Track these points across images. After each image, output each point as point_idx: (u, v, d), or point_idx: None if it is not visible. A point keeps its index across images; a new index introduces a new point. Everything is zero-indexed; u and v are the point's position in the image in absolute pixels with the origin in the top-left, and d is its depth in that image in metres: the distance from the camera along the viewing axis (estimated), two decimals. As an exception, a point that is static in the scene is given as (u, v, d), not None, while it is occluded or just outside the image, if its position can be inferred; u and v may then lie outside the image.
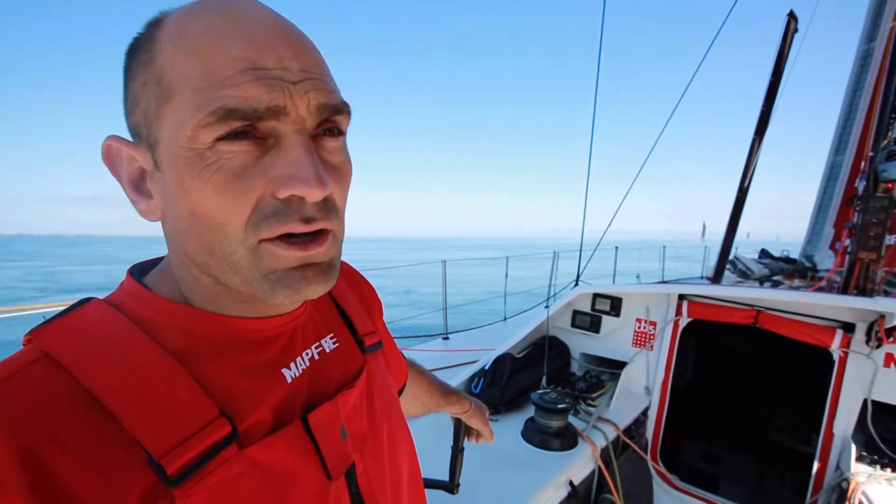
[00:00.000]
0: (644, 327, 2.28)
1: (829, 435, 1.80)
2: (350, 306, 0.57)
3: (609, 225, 3.07)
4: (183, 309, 0.38)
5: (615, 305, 2.35)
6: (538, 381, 2.15)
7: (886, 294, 2.53)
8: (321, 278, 0.37)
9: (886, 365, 1.73)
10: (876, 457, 1.66)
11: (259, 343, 0.41)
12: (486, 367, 2.17)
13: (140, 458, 0.31)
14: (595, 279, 3.19)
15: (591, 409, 2.02)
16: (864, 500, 1.48)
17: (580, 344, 2.48)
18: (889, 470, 1.60)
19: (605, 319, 2.38)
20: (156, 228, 0.40)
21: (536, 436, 1.70)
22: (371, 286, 0.66)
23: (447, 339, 4.12)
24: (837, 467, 1.74)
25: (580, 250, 2.97)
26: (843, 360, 1.80)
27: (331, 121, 0.36)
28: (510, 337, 2.40)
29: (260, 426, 0.38)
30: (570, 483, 1.57)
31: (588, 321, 2.42)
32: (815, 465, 1.81)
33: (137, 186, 0.38)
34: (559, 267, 5.44)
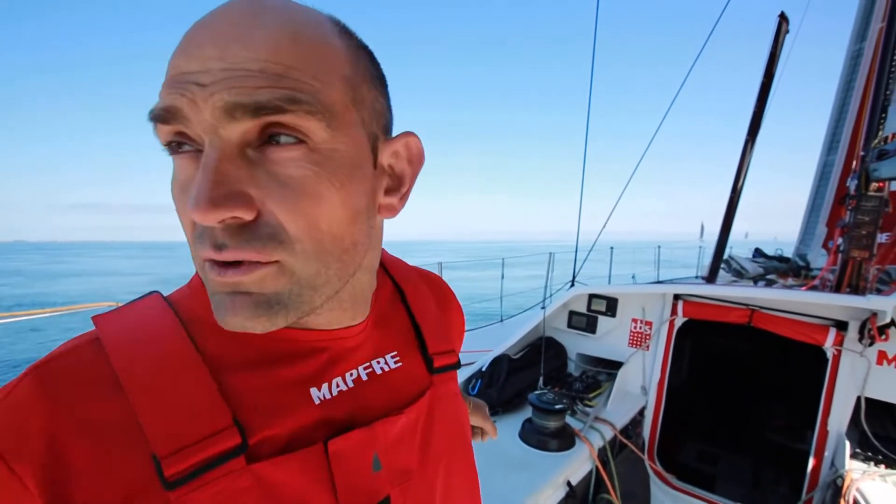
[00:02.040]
0: (640, 327, 2.29)
1: (824, 432, 1.81)
2: (427, 321, 0.52)
3: (604, 226, 3.08)
4: None
5: (611, 306, 2.36)
6: (535, 381, 2.16)
7: (879, 292, 2.56)
8: (250, 312, 0.31)
9: (879, 362, 1.75)
10: (870, 453, 1.68)
11: (293, 356, 0.39)
12: (484, 369, 2.18)
13: (145, 454, 0.31)
14: (591, 280, 3.21)
15: (587, 409, 2.03)
16: (858, 496, 1.49)
17: (577, 344, 2.49)
18: (883, 466, 1.62)
19: (601, 320, 2.39)
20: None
21: (534, 436, 1.70)
22: (461, 308, 0.62)
23: None
24: (832, 464, 1.76)
25: (576, 251, 2.99)
26: (837, 358, 1.82)
27: (275, 125, 0.30)
28: (507, 338, 2.40)
29: (271, 443, 0.36)
30: (568, 483, 1.58)
31: (584, 322, 2.43)
32: (811, 463, 1.83)
33: None
34: (555, 268, 5.45)
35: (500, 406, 1.97)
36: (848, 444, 1.71)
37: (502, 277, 5.65)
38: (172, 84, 0.29)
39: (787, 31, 3.57)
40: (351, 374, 0.42)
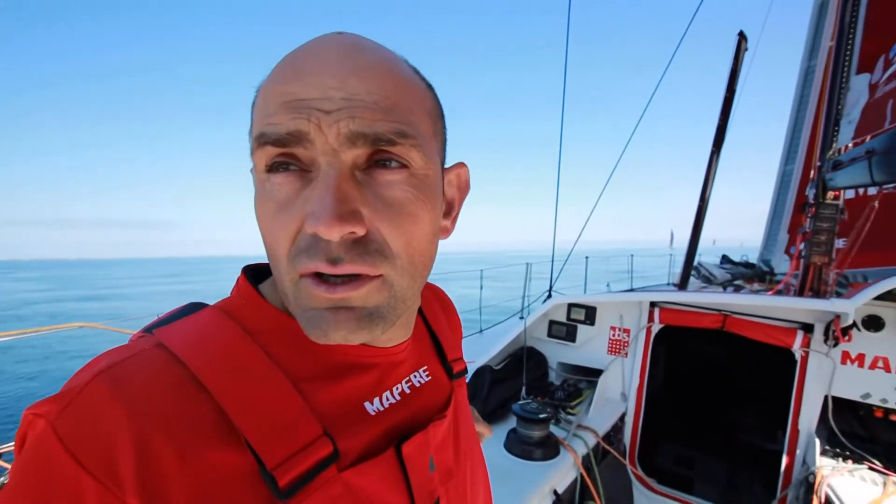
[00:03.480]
0: (618, 335, 2.34)
1: (795, 432, 1.89)
2: (441, 331, 0.56)
3: (579, 236, 3.15)
4: (293, 323, 0.38)
5: (590, 314, 2.40)
6: (518, 392, 2.17)
7: (838, 295, 2.69)
8: (353, 325, 0.34)
9: (843, 362, 1.84)
10: (838, 450, 1.75)
11: (350, 369, 0.41)
12: (467, 381, 2.18)
13: (247, 462, 0.32)
14: (567, 289, 3.26)
15: (570, 417, 2.05)
16: (829, 491, 1.55)
17: (557, 353, 2.52)
18: (850, 462, 1.69)
19: (581, 328, 2.43)
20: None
21: (519, 446, 1.71)
22: (457, 313, 0.66)
23: None
24: (804, 462, 1.83)
25: (552, 262, 3.03)
26: (805, 360, 1.90)
27: (385, 152, 0.33)
28: (488, 349, 2.41)
29: (349, 451, 0.37)
30: (554, 492, 1.59)
31: (564, 331, 2.47)
32: (784, 462, 1.89)
33: None
34: (528, 278, 5.51)
35: (484, 418, 1.97)
36: (818, 441, 1.78)
37: (481, 288, 5.68)
38: (292, 109, 0.32)
39: (747, 49, 3.76)
40: (397, 388, 0.45)
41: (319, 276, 0.33)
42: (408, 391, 0.46)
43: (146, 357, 0.33)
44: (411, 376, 0.47)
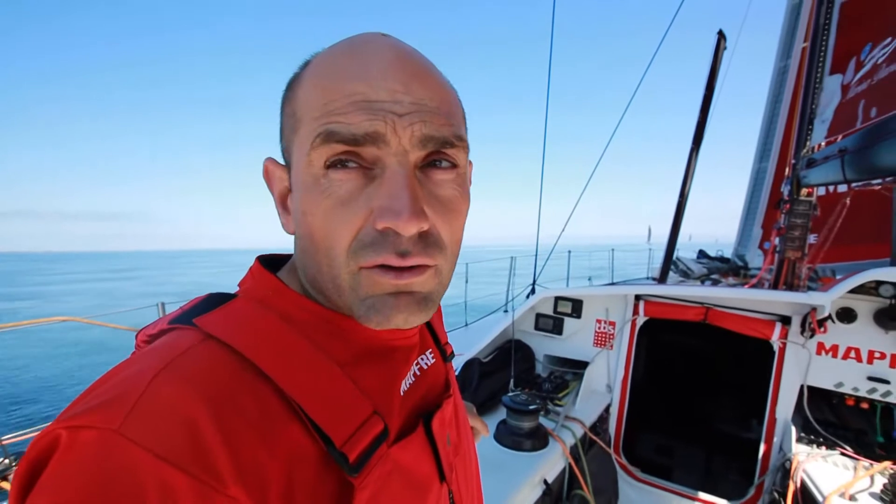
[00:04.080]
0: (604, 327, 2.39)
1: (773, 420, 1.96)
2: (433, 317, 0.59)
3: (562, 231, 3.18)
4: (323, 310, 0.40)
5: (576, 307, 2.44)
6: (506, 384, 2.20)
7: (810, 289, 2.80)
8: (414, 308, 0.36)
9: (818, 353, 1.92)
10: (812, 437, 1.83)
11: (384, 352, 0.43)
12: (456, 374, 2.20)
13: (312, 442, 0.33)
14: (550, 283, 3.30)
15: (558, 408, 2.09)
16: (804, 476, 1.62)
17: (544, 346, 2.56)
18: (824, 448, 1.77)
19: (567, 321, 2.47)
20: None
21: (509, 438, 1.73)
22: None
23: None
24: (780, 449, 1.90)
25: (535, 256, 3.07)
26: (783, 350, 1.97)
27: (440, 153, 0.37)
28: (476, 342, 2.43)
29: (394, 429, 0.40)
30: (544, 481, 1.62)
31: (551, 324, 2.50)
32: (762, 449, 1.97)
33: (284, 203, 0.42)
34: (512, 273, 5.56)
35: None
36: (794, 429, 1.86)
37: (466, 282, 5.71)
38: (366, 110, 0.33)
39: (725, 48, 3.85)
40: (416, 367, 0.48)
41: (384, 267, 0.35)
42: (418, 372, 0.49)
43: (203, 350, 0.33)
44: (420, 358, 0.50)
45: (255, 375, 0.33)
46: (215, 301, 0.39)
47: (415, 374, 0.47)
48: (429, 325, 0.58)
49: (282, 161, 0.41)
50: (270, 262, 0.45)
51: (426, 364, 0.51)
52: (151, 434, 0.26)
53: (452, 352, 0.62)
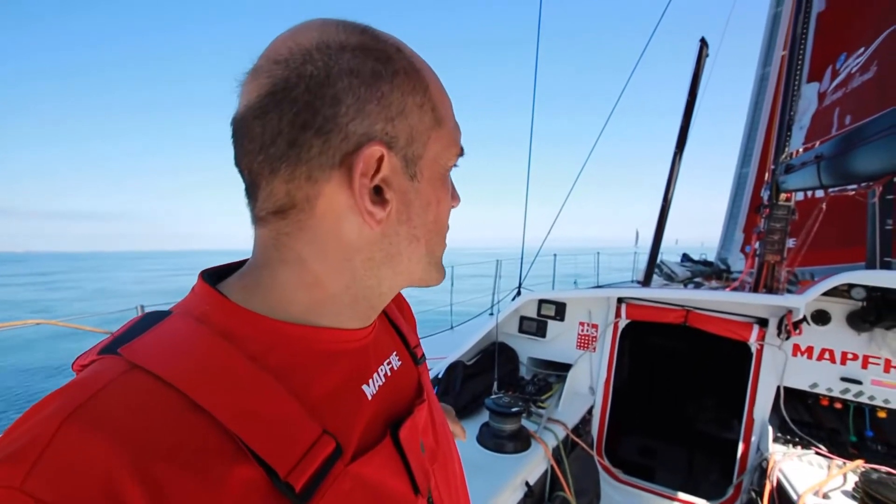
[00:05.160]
0: (587, 330, 2.41)
1: (751, 420, 1.99)
2: (398, 320, 0.59)
3: (548, 234, 3.21)
4: (269, 322, 0.37)
5: (560, 310, 2.46)
6: (489, 386, 2.21)
7: (789, 291, 2.85)
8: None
9: (794, 354, 1.96)
10: (788, 437, 1.87)
11: (341, 355, 0.41)
12: (440, 376, 2.20)
13: (258, 475, 0.31)
14: (535, 286, 3.32)
15: (541, 410, 2.10)
16: (780, 476, 1.65)
17: (527, 348, 2.57)
18: (799, 447, 1.80)
19: (551, 324, 2.49)
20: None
21: (491, 440, 1.74)
22: (407, 301, 0.68)
23: None
24: (758, 449, 1.94)
25: (521, 259, 3.08)
26: (760, 352, 2.01)
27: None
28: (460, 345, 2.44)
29: (353, 443, 0.38)
30: (526, 483, 1.62)
31: (535, 326, 2.52)
32: (740, 449, 2.00)
33: (379, 194, 0.38)
34: (498, 275, 5.57)
35: (457, 412, 1.99)
36: (770, 429, 1.89)
37: (452, 285, 5.71)
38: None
39: (707, 55, 3.92)
40: (382, 370, 0.47)
41: None
42: (389, 374, 0.48)
43: (124, 384, 0.29)
44: (386, 362, 0.49)
45: (188, 407, 0.30)
46: (151, 321, 0.35)
47: (384, 376, 0.46)
48: (395, 326, 0.57)
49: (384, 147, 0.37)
50: (217, 276, 0.42)
51: (393, 367, 0.50)
52: (58, 491, 0.24)
53: (423, 355, 0.60)
